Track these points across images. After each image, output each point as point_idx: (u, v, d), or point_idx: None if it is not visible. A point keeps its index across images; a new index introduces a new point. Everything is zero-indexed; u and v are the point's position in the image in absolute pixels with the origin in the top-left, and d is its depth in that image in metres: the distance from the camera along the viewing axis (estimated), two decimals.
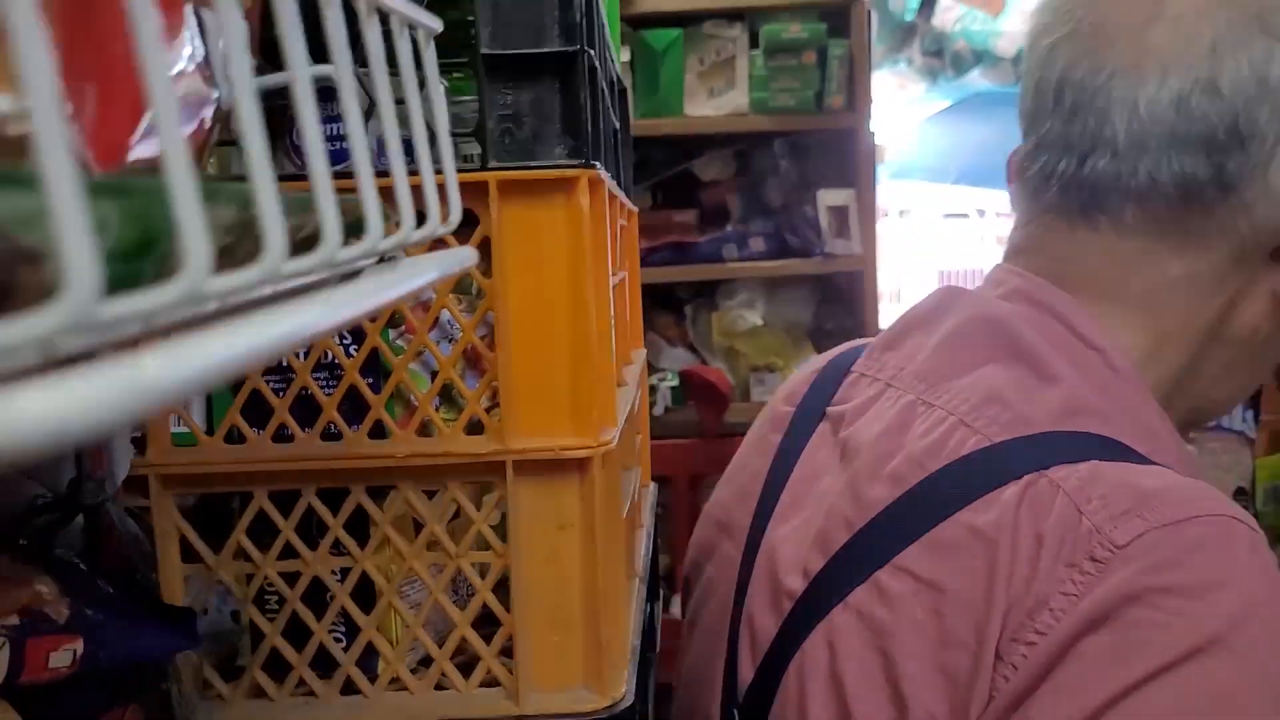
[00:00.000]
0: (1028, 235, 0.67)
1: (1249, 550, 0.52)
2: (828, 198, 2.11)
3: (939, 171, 4.94)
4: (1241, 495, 1.32)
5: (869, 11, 2.16)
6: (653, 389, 2.14)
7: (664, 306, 2.28)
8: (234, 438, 0.58)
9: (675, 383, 2.13)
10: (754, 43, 2.10)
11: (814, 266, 2.12)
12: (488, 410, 0.57)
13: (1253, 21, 0.57)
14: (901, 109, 5.19)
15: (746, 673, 0.66)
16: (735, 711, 0.66)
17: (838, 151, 2.17)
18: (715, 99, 2.12)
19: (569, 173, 0.54)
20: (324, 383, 0.58)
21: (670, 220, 2.27)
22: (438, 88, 0.35)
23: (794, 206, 2.17)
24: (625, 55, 2.08)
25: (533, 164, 0.54)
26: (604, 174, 0.58)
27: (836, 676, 0.58)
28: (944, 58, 5.14)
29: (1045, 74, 0.63)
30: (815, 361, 0.80)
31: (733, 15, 2.11)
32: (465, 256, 0.33)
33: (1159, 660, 0.49)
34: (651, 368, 2.22)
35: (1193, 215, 0.60)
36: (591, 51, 0.55)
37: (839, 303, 2.20)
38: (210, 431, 0.57)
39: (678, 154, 2.26)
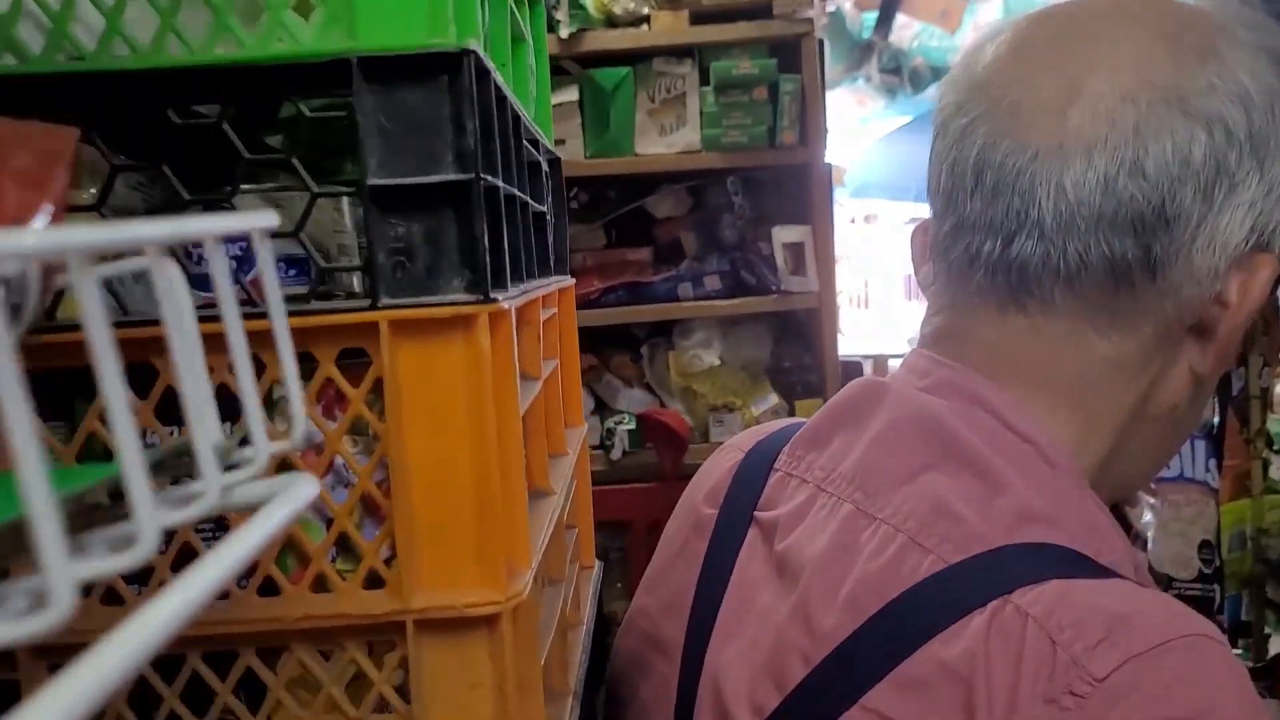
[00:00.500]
0: (953, 321, 0.65)
1: (1226, 670, 0.51)
2: (783, 234, 2.08)
3: (899, 189, 4.94)
4: (1207, 548, 1.30)
5: (820, 43, 2.13)
6: (610, 432, 2.10)
7: (620, 346, 2.24)
8: (112, 598, 0.53)
9: (632, 426, 2.09)
10: (704, 79, 2.07)
11: (770, 304, 2.09)
12: (387, 561, 0.53)
13: (1174, 104, 0.57)
14: (860, 126, 5.20)
15: None
16: None
17: (792, 187, 2.14)
18: (667, 136, 2.09)
19: (467, 309, 0.50)
20: (208, 533, 0.54)
21: (624, 259, 2.23)
22: (277, 295, 0.30)
23: (749, 244, 2.14)
24: (573, 95, 2.04)
25: (428, 300, 0.50)
26: (509, 301, 0.54)
27: None
28: (902, 74, 5.15)
29: (961, 153, 0.61)
30: (729, 454, 0.76)
31: (682, 52, 2.07)
32: (301, 495, 0.28)
33: None
34: (609, 410, 2.17)
35: (1120, 296, 0.59)
36: (489, 178, 0.51)
37: (797, 340, 2.17)
38: (85, 594, 0.53)
39: (631, 191, 2.22)
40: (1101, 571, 0.55)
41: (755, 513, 0.67)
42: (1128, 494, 0.69)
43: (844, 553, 0.59)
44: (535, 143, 0.85)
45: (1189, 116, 0.56)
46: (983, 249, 0.61)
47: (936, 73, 5.14)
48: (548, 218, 0.95)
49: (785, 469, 0.68)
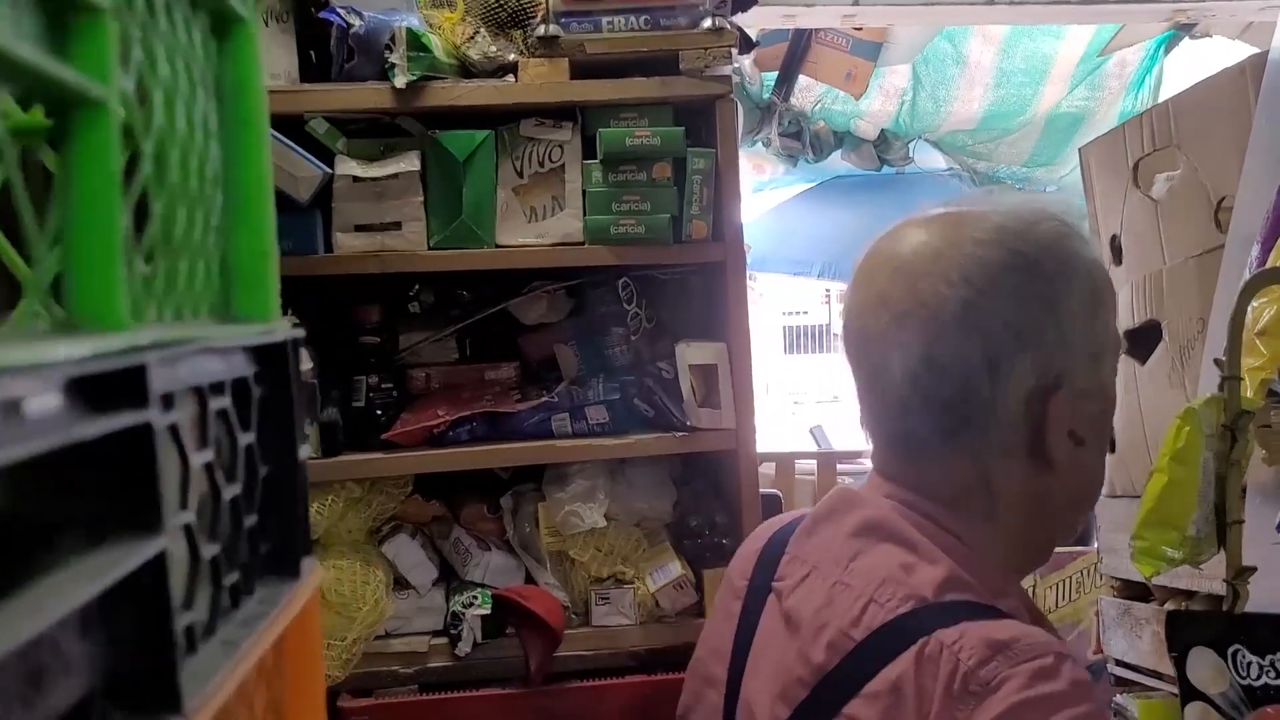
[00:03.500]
0: (884, 460, 0.92)
1: (1071, 673, 0.75)
2: (690, 354, 1.59)
3: (800, 263, 4.54)
4: None
5: (737, 104, 1.66)
6: (457, 617, 1.55)
7: (475, 491, 1.70)
8: None
9: (488, 609, 1.55)
10: (590, 150, 1.57)
11: (674, 445, 1.58)
12: None
13: (936, 320, 0.83)
14: (754, 194, 4.79)
15: None
16: None
17: (702, 294, 1.65)
18: (539, 223, 1.58)
19: None
20: None
21: (482, 378, 1.71)
22: None
23: (646, 364, 1.64)
24: (413, 163, 1.52)
25: None
26: None
27: None
28: (803, 139, 4.77)
29: (851, 365, 0.91)
30: (757, 540, 0.99)
31: (561, 113, 1.58)
32: None
33: None
34: (457, 582, 1.63)
35: (959, 448, 0.86)
36: None
37: (706, 492, 1.66)
38: None
39: (492, 289, 1.70)
40: (1000, 615, 0.80)
41: (773, 583, 0.92)
42: (1039, 560, 0.95)
43: (829, 610, 0.84)
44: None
45: (967, 328, 0.83)
46: (876, 430, 0.91)
47: (840, 139, 4.77)
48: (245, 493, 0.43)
49: (792, 552, 0.93)
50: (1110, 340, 0.89)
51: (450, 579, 1.65)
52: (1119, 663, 1.93)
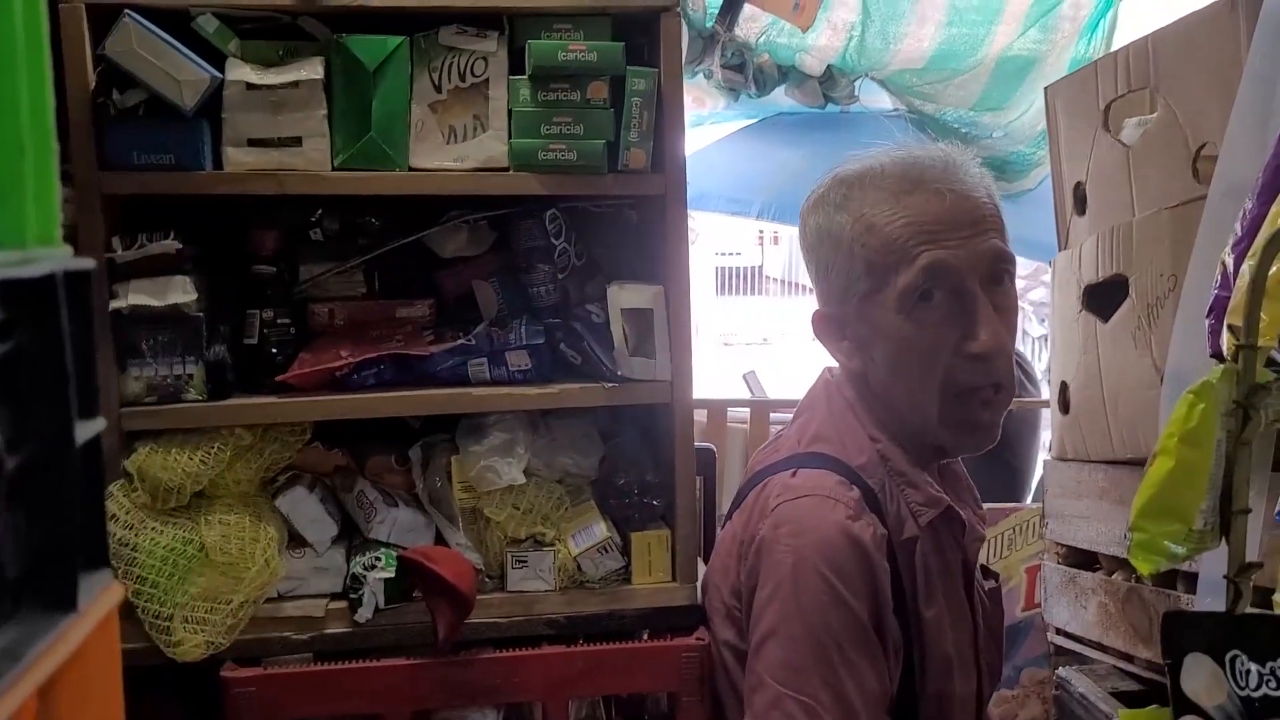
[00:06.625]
0: None
1: (828, 514, 1.16)
2: (623, 296, 1.44)
3: (739, 201, 4.39)
4: None
5: (683, 20, 1.49)
6: (357, 581, 1.40)
7: (383, 439, 1.54)
8: None
9: (391, 572, 1.40)
10: (517, 65, 1.40)
11: (601, 396, 1.44)
12: None
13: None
14: (693, 129, 4.61)
15: None
16: None
17: (638, 230, 1.50)
18: (458, 145, 1.40)
19: None
20: None
21: (392, 316, 1.54)
22: None
23: (574, 307, 1.48)
24: (316, 71, 1.34)
25: None
26: None
27: (721, 557, 1.30)
28: (746, 72, 4.58)
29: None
30: None
31: (486, 19, 1.39)
32: None
33: (772, 569, 1.17)
34: (359, 540, 1.48)
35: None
36: None
37: (636, 447, 1.53)
38: None
39: (405, 218, 1.53)
40: (837, 466, 1.21)
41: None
42: (922, 449, 1.27)
43: (757, 458, 1.36)
44: None
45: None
46: None
47: (784, 74, 4.59)
48: None
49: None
50: (859, 286, 1.21)
51: (353, 536, 1.50)
52: (1060, 632, 1.86)
